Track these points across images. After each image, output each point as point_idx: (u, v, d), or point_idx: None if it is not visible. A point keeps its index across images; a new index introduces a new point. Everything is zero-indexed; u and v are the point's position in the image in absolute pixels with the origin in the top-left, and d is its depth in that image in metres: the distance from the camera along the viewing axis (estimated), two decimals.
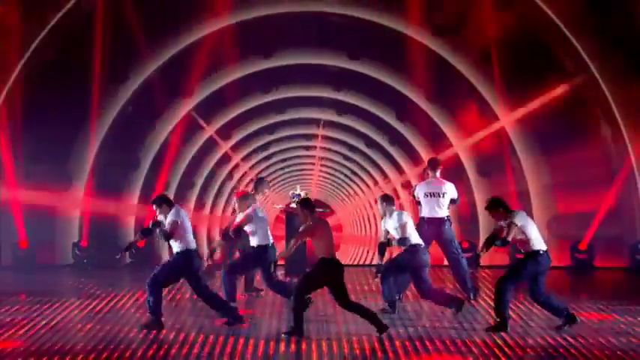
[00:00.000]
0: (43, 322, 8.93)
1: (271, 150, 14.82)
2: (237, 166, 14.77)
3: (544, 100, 14.01)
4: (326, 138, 14.80)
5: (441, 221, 9.91)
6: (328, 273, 8.13)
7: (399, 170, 14.69)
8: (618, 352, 7.67)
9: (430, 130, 14.33)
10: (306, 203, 8.27)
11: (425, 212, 10.01)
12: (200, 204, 14.66)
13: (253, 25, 14.15)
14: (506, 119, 14.15)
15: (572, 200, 13.81)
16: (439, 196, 9.84)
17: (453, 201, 10.18)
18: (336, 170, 15.01)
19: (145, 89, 14.18)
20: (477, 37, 14.02)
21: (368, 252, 14.99)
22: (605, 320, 9.19)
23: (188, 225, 8.66)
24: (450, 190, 10.07)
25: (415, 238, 9.25)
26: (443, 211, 9.95)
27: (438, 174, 9.96)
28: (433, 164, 10.04)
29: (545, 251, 8.53)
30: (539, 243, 8.49)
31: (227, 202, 14.66)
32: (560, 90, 14.00)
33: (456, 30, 13.97)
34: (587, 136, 13.94)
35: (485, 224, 14.12)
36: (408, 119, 14.44)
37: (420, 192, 10.02)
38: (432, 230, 9.92)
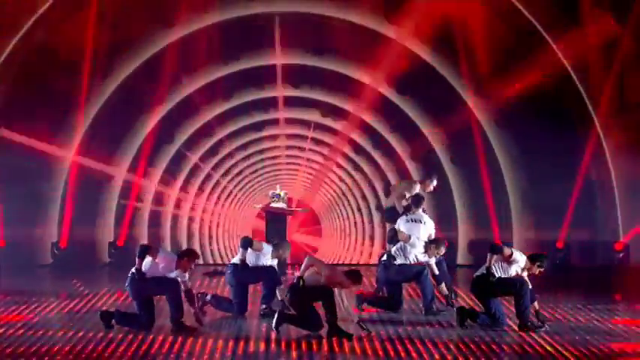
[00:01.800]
0: (21, 323, 8.89)
1: (251, 150, 14.84)
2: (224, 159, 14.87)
3: (515, 88, 14.17)
4: (310, 139, 14.86)
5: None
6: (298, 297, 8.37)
7: (378, 169, 14.78)
8: (594, 350, 7.76)
9: (407, 126, 14.46)
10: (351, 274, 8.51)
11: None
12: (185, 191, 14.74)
13: (237, 25, 14.20)
14: (479, 110, 14.30)
15: (547, 186, 13.98)
16: (420, 222, 9.91)
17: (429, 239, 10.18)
18: (316, 170, 15.06)
19: (127, 85, 14.21)
20: (449, 30, 14.16)
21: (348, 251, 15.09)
22: (582, 318, 9.29)
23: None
24: (429, 222, 10.07)
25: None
26: (422, 238, 9.95)
27: (420, 210, 10.03)
28: (417, 201, 10.08)
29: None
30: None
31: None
32: (530, 77, 14.18)
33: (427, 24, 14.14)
34: (560, 123, 14.15)
35: (462, 217, 14.30)
36: (384, 117, 14.56)
37: (400, 221, 10.05)
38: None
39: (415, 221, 9.87)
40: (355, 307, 9.37)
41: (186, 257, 8.59)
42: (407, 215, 9.98)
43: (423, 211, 10.14)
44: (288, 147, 14.93)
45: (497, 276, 8.67)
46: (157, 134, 14.41)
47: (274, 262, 9.47)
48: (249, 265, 9.31)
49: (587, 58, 14.10)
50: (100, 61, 14.06)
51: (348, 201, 15.13)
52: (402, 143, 14.59)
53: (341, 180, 15.05)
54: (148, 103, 14.33)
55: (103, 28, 13.99)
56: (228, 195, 15.00)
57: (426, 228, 9.85)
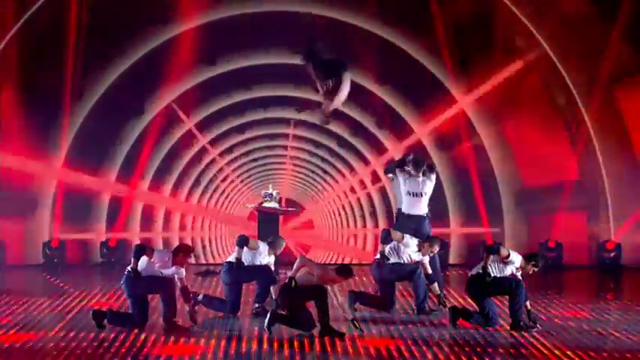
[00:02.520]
0: (14, 322, 8.87)
1: (243, 149, 14.84)
2: (213, 161, 14.85)
3: (499, 77, 14.20)
4: (297, 137, 14.86)
5: (420, 218, 9.97)
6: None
7: (365, 162, 14.81)
8: (585, 349, 7.79)
9: (391, 119, 14.48)
10: (342, 270, 8.52)
11: (405, 208, 10.02)
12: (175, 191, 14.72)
13: (228, 24, 14.18)
14: (464, 99, 14.32)
15: (537, 179, 14.02)
16: (421, 196, 9.91)
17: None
18: (306, 169, 15.06)
19: (125, 78, 14.17)
20: (430, 22, 14.18)
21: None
22: (573, 318, 9.32)
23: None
24: (430, 188, 10.08)
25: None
26: (423, 209, 10.00)
27: (420, 174, 9.96)
28: (416, 164, 10.01)
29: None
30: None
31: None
32: (514, 67, 14.21)
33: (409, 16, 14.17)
34: (546, 110, 14.19)
35: (455, 216, 14.33)
36: (369, 110, 14.58)
37: (403, 186, 10.02)
38: (412, 225, 9.93)
39: (415, 195, 9.84)
40: (348, 305, 9.38)
41: (181, 253, 8.62)
42: (407, 183, 9.84)
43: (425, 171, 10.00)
44: (276, 146, 14.95)
45: (492, 276, 8.69)
46: (149, 135, 14.39)
47: (271, 261, 9.48)
48: (245, 263, 9.32)
49: (579, 59, 14.18)
50: (85, 64, 14.06)
51: (340, 199, 15.14)
52: (390, 139, 14.61)
53: (330, 176, 15.07)
54: (140, 103, 14.33)
55: (85, 33, 14.00)
56: (221, 194, 15.01)
57: (426, 198, 9.88)
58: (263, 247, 9.40)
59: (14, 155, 13.85)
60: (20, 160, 13.86)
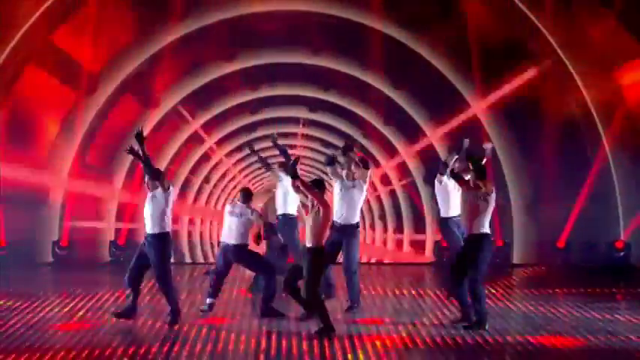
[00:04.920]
0: (22, 322, 8.89)
1: (245, 151, 14.86)
2: (219, 161, 14.87)
3: (514, 86, 14.14)
4: (305, 136, 14.88)
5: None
6: (321, 261, 8.26)
7: (376, 164, 14.82)
8: (596, 350, 7.76)
9: (406, 123, 14.48)
10: (317, 184, 8.34)
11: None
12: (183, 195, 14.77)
13: (236, 24, 14.19)
14: (478, 106, 14.27)
15: (550, 190, 13.98)
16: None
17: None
18: (314, 167, 15.08)
19: (132, 79, 14.20)
20: (447, 27, 14.14)
21: None
22: (583, 318, 9.29)
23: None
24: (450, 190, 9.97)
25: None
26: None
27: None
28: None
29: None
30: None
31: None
32: (529, 75, 14.15)
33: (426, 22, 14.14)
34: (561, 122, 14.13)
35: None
36: (382, 114, 14.58)
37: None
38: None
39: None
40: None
41: (162, 177, 8.65)
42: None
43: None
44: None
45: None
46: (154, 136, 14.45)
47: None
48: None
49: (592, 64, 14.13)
50: (88, 74, 14.10)
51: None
52: (402, 142, 14.61)
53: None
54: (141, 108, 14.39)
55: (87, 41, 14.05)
56: (228, 194, 15.03)
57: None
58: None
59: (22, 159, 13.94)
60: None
